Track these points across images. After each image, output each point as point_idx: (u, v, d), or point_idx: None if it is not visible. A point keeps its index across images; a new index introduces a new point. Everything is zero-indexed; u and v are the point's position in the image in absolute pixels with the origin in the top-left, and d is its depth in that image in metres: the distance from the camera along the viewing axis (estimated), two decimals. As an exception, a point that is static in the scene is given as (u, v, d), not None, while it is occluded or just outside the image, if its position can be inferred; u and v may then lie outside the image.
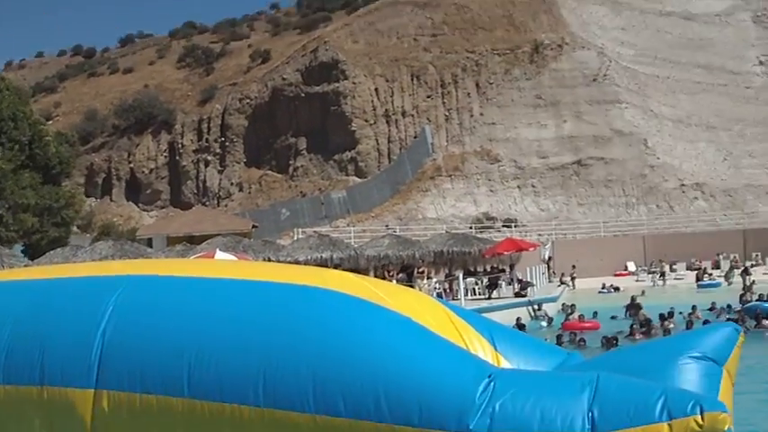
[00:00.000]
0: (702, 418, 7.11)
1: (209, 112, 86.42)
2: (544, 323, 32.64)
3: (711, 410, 7.20)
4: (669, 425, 7.22)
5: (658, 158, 75.80)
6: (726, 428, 7.33)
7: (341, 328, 8.17)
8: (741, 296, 34.96)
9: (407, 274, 38.55)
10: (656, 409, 7.31)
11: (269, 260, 34.69)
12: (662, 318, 27.76)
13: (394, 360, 7.84)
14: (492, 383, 7.66)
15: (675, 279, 53.70)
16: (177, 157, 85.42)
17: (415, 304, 9.03)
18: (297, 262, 34.76)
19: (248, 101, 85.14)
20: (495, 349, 9.06)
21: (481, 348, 8.88)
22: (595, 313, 32.09)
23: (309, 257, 37.80)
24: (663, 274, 53.25)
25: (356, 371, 7.74)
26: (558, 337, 24.17)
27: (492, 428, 7.32)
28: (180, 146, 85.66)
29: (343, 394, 7.66)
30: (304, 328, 8.20)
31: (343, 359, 7.85)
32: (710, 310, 31.70)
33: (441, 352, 8.20)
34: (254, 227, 59.41)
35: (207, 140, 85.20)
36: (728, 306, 31.60)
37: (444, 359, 8.05)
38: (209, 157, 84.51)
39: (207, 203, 79.75)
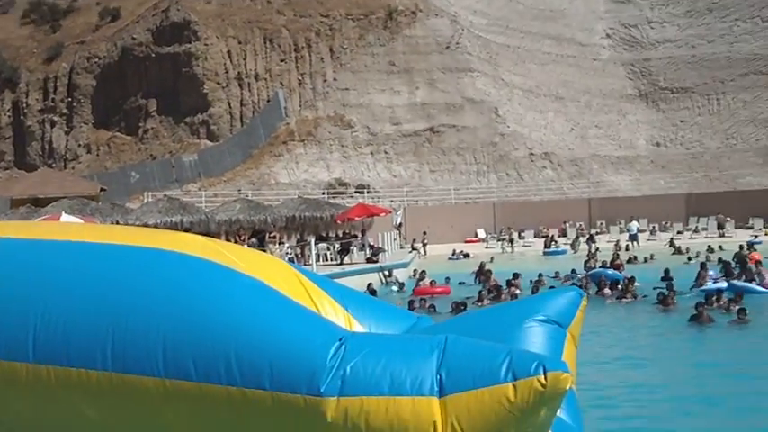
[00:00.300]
0: (545, 378, 7.34)
1: (55, 71, 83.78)
2: (395, 288, 32.95)
3: (554, 370, 7.44)
4: (514, 385, 7.41)
5: (508, 127, 77.09)
6: (567, 388, 7.59)
7: (192, 290, 8.06)
8: (585, 263, 35.96)
9: (259, 239, 38.36)
10: (502, 371, 7.50)
11: (117, 224, 34.02)
12: (508, 282, 28.33)
13: (245, 323, 7.79)
14: (343, 346, 7.70)
15: (524, 246, 54.92)
16: (22, 117, 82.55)
17: (268, 268, 9.00)
18: (146, 226, 34.11)
19: (96, 60, 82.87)
20: (347, 313, 9.14)
21: (333, 312, 8.93)
22: (447, 279, 32.55)
23: (159, 221, 37.26)
24: (511, 241, 54.39)
25: (207, 334, 7.65)
26: (410, 303, 24.46)
27: (343, 391, 7.38)
28: (24, 105, 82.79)
29: (193, 358, 7.56)
30: (154, 290, 8.05)
31: (194, 322, 7.75)
32: (554, 277, 32.43)
33: (292, 315, 8.20)
34: (102, 190, 58.02)
35: (53, 100, 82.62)
36: (573, 272, 32.47)
37: (295, 323, 8.06)
38: (55, 118, 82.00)
39: (53, 165, 77.39)
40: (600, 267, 33.16)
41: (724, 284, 25.65)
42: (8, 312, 8.23)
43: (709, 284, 26.07)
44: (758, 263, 29.17)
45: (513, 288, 27.50)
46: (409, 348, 7.97)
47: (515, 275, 29.02)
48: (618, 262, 34.57)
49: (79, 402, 7.92)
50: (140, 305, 7.95)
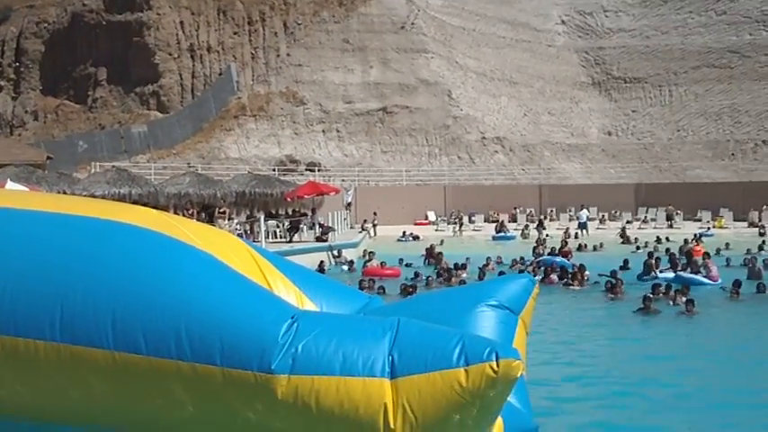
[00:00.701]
0: (497, 365, 7.34)
1: (3, 35, 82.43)
2: (345, 268, 32.81)
3: (506, 357, 7.43)
4: (466, 370, 7.41)
5: (461, 110, 77.12)
6: (519, 375, 7.58)
7: (143, 263, 7.94)
8: (534, 249, 36.07)
9: (208, 213, 38.08)
10: (454, 355, 7.49)
11: (64, 193, 33.52)
12: (456, 267, 28.33)
13: (197, 298, 7.69)
14: (295, 324, 7.63)
15: (474, 230, 55.04)
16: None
17: (220, 243, 8.89)
18: (93, 196, 33.66)
19: (46, 25, 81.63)
20: (300, 291, 9.05)
21: (285, 290, 8.85)
22: (401, 260, 32.53)
23: (107, 192, 36.80)
24: (461, 225, 54.47)
25: (158, 308, 7.55)
26: (360, 283, 24.33)
27: (294, 369, 7.31)
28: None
29: (144, 331, 7.46)
30: (105, 261, 7.92)
31: (145, 295, 7.64)
32: (498, 262, 32.29)
33: (244, 292, 8.11)
34: (48, 158, 57.23)
35: (0, 65, 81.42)
36: (521, 259, 32.39)
37: (247, 299, 7.97)
38: (2, 83, 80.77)
39: (-1, 131, 76.43)
40: (548, 254, 33.30)
41: (671, 275, 25.93)
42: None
43: (657, 275, 26.32)
44: (706, 254, 29.46)
45: (460, 272, 27.48)
46: (362, 329, 7.93)
47: (463, 265, 28.99)
48: (566, 249, 34.70)
49: (26, 373, 7.79)
50: (91, 276, 7.81)
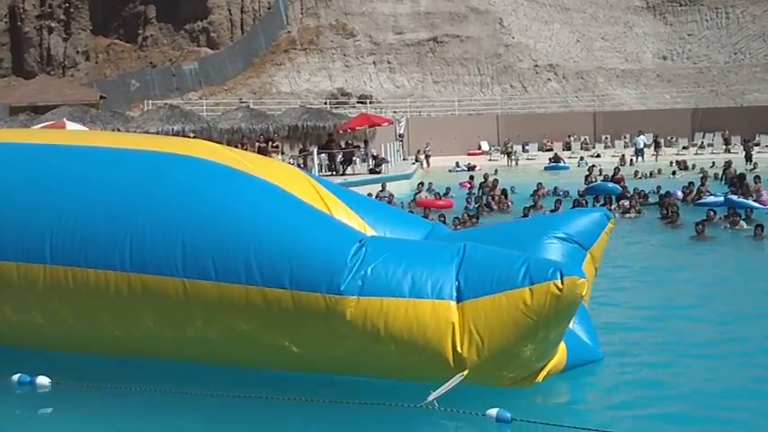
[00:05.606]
0: (562, 283, 7.35)
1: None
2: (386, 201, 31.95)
3: (570, 275, 7.44)
4: (531, 290, 7.48)
5: (513, 38, 76.30)
6: (584, 293, 7.59)
7: (210, 193, 8.09)
8: (586, 177, 35.61)
9: (261, 148, 38.06)
10: (519, 276, 7.56)
11: (118, 131, 33.79)
12: (503, 193, 28.23)
13: (263, 224, 7.82)
14: (363, 249, 7.71)
15: (528, 159, 54.64)
16: (19, 23, 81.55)
17: (282, 174, 8.97)
18: (147, 134, 33.92)
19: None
20: (362, 221, 9.08)
21: (347, 218, 8.91)
22: (447, 189, 32.22)
23: (160, 129, 37.03)
24: (509, 154, 53.96)
25: (226, 235, 7.69)
26: (415, 215, 24.13)
27: (363, 291, 7.39)
28: (21, 11, 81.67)
29: (213, 258, 7.60)
30: (172, 193, 8.07)
31: (213, 224, 7.79)
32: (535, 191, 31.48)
33: (310, 218, 8.22)
34: (101, 97, 57.69)
35: (50, 6, 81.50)
36: (555, 189, 31.59)
37: (314, 225, 8.08)
38: (53, 24, 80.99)
39: (51, 72, 76.68)
40: (601, 181, 32.88)
41: (721, 199, 25.51)
42: (24, 216, 8.24)
43: (706, 199, 25.97)
44: (757, 178, 28.93)
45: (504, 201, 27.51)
46: (430, 253, 8.02)
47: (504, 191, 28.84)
48: (619, 176, 34.14)
49: (96, 303, 7.94)
50: (159, 207, 7.98)
